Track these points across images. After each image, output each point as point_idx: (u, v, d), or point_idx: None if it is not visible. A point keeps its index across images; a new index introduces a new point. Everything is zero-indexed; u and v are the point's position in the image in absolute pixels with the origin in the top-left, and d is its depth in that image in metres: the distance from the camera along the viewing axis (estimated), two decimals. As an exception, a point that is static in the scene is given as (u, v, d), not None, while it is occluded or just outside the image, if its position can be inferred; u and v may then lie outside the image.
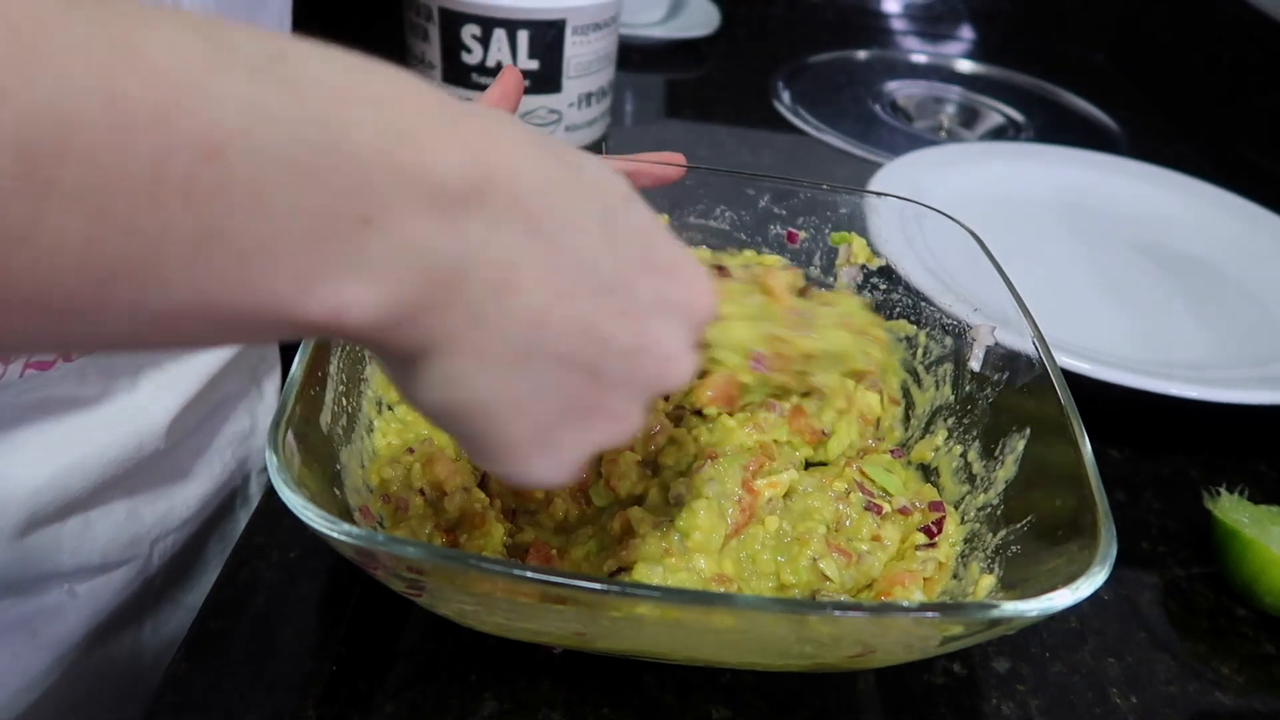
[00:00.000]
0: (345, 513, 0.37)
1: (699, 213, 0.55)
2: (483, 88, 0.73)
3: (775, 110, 1.02)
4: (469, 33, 0.72)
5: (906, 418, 0.51)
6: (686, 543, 0.39)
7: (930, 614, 0.32)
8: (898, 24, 1.33)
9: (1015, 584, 0.37)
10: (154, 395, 0.48)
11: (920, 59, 1.22)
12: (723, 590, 0.39)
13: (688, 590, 0.37)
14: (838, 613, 0.31)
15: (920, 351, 0.51)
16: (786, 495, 0.43)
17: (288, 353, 0.41)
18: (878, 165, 0.80)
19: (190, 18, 0.19)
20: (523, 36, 0.72)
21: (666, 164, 0.52)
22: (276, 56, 0.20)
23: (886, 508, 0.43)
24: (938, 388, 0.50)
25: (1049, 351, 0.42)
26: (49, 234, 0.17)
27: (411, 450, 0.43)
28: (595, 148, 0.82)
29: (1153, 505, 0.55)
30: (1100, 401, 0.50)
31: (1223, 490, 0.50)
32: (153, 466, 0.49)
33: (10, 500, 0.42)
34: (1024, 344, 0.44)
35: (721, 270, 0.42)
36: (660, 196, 0.54)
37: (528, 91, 0.74)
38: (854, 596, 0.41)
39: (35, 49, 0.16)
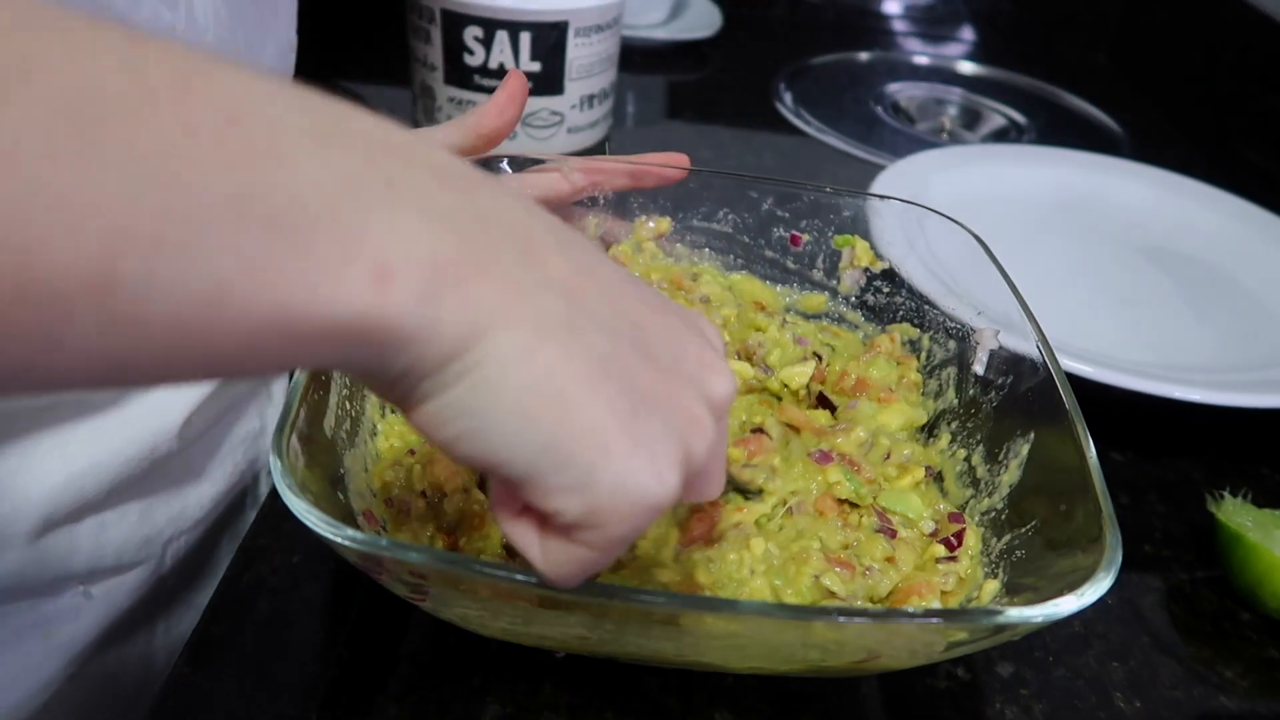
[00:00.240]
0: (349, 517, 0.37)
1: (702, 215, 0.55)
2: (485, 89, 0.73)
3: (777, 112, 1.02)
4: (471, 34, 0.72)
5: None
6: (635, 553, 0.39)
7: (935, 620, 0.32)
8: (899, 25, 1.33)
9: (1019, 589, 0.37)
10: (167, 396, 0.48)
11: (922, 60, 1.22)
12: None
13: (693, 596, 0.37)
14: (843, 619, 0.31)
15: (924, 355, 0.51)
16: (769, 519, 0.42)
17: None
18: (879, 167, 0.80)
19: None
20: (525, 38, 0.72)
21: (671, 165, 0.52)
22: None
23: (903, 532, 0.42)
24: (941, 391, 0.50)
25: (1053, 355, 0.42)
26: (97, 193, 0.18)
27: (412, 451, 0.43)
28: (598, 149, 0.82)
29: (1156, 509, 0.55)
30: (1103, 404, 0.50)
31: (1226, 494, 0.50)
32: (166, 467, 0.49)
33: (26, 503, 0.42)
34: (1028, 347, 0.44)
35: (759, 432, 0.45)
36: (664, 199, 0.54)
37: (529, 94, 0.73)
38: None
39: (56, 27, 0.18)
